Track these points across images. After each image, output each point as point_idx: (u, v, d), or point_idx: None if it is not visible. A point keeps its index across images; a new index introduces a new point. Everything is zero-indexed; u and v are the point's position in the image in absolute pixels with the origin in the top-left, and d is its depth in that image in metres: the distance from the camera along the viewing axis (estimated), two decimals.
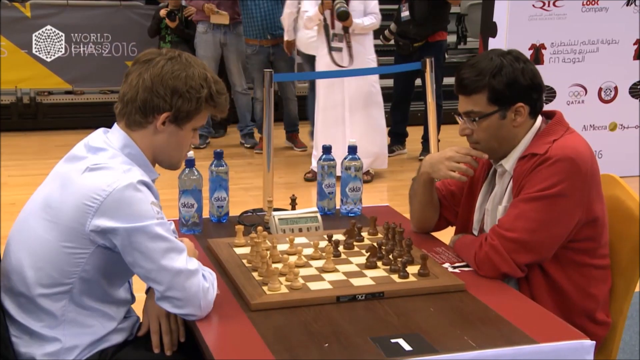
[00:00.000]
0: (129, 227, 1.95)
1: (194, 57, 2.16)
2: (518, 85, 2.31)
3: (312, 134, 6.73)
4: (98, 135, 2.12)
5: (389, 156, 6.79)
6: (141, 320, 2.20)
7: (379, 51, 8.40)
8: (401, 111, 7.25)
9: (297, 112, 7.51)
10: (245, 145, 7.56)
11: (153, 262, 1.97)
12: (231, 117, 7.45)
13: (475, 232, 2.52)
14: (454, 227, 2.67)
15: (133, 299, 2.26)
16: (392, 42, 7.05)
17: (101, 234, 1.98)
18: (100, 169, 2.01)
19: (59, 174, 2.10)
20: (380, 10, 6.29)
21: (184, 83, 2.06)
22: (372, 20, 6.10)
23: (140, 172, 2.05)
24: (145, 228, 1.96)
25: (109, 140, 2.10)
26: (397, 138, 7.39)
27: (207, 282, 2.03)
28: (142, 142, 2.11)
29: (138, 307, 2.25)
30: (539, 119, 2.40)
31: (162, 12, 7.53)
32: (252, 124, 7.62)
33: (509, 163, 2.39)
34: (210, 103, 2.12)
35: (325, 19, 6.04)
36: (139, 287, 2.25)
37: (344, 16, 5.89)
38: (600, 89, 6.50)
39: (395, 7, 7.13)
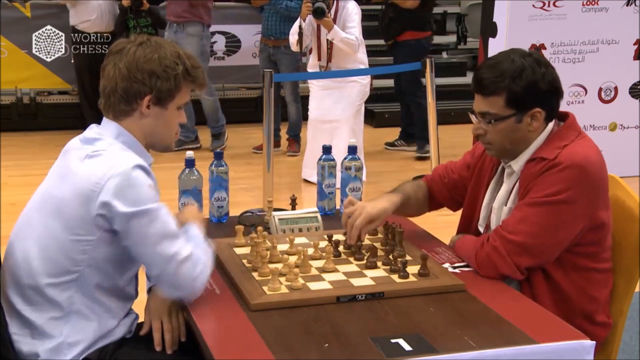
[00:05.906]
0: (129, 211, 2.00)
1: (163, 38, 2.22)
2: (537, 90, 2.27)
3: None
4: (91, 130, 2.18)
5: (390, 149, 7.43)
6: (142, 319, 2.21)
7: (380, 52, 8.39)
8: (403, 110, 7.46)
9: (298, 116, 7.38)
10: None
11: (148, 246, 2.03)
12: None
13: (481, 229, 2.51)
14: (455, 228, 2.67)
15: (136, 295, 2.28)
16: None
17: (104, 218, 2.02)
18: (100, 155, 2.07)
19: (58, 167, 2.17)
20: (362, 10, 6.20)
21: (159, 64, 2.11)
22: (350, 35, 5.87)
23: (138, 158, 2.10)
24: (144, 212, 2.01)
25: (103, 132, 2.15)
26: (405, 136, 7.53)
27: (197, 268, 2.06)
28: (132, 129, 2.16)
29: (138, 307, 2.25)
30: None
31: (125, 2, 7.32)
32: (220, 124, 7.56)
33: (517, 164, 2.37)
34: (187, 78, 2.17)
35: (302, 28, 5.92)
36: (139, 287, 2.26)
37: (320, 11, 5.74)
38: (600, 89, 6.49)
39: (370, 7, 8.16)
